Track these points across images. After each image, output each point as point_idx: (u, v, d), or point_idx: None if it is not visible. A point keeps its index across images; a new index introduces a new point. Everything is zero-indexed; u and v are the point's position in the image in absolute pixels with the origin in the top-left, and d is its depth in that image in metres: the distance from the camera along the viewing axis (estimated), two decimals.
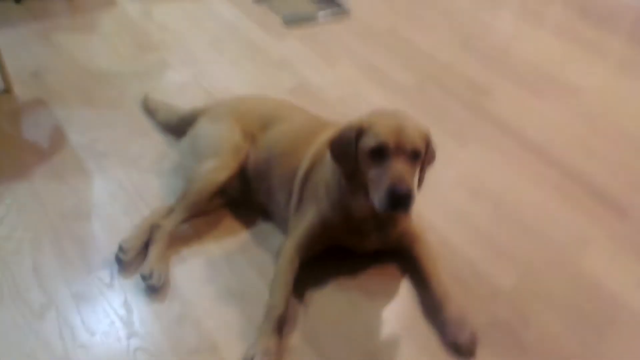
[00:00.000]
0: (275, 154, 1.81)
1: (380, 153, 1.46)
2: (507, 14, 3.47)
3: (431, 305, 1.60)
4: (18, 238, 1.76)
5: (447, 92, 2.62)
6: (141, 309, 1.57)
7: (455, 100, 2.56)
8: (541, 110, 2.53)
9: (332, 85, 2.62)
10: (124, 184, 1.97)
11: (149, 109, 2.29)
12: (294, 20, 3.10)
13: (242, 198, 1.89)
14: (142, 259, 1.66)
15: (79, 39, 2.81)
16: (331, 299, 1.63)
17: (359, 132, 1.51)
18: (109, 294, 1.61)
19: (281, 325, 1.49)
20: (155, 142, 2.17)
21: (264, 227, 1.84)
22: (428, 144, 1.56)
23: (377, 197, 1.46)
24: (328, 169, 1.64)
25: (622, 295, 1.71)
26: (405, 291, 1.68)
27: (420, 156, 1.51)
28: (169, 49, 2.79)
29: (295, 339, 1.51)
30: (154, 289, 1.61)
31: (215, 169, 1.79)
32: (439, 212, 1.95)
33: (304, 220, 1.65)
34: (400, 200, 1.43)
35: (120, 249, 1.67)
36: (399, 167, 1.44)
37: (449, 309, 1.56)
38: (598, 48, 3.06)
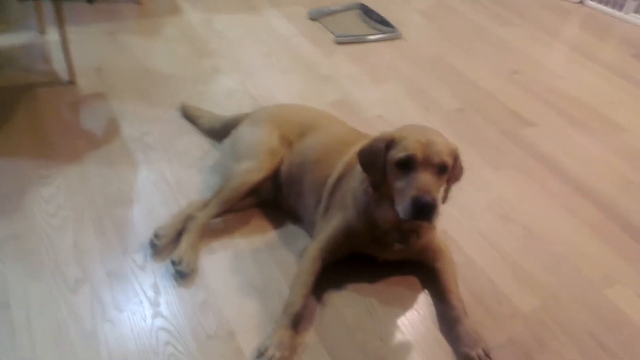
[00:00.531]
0: (309, 160, 1.88)
1: (407, 164, 1.50)
2: (558, 50, 3.45)
3: (447, 318, 1.62)
4: (63, 216, 1.88)
5: (487, 119, 2.63)
6: (168, 293, 1.65)
7: (494, 127, 2.57)
8: (581, 144, 2.51)
9: (375, 102, 2.68)
10: (167, 176, 2.08)
11: (190, 116, 2.38)
12: (345, 40, 3.19)
13: (273, 200, 1.97)
14: (174, 246, 1.75)
15: (142, 40, 3.00)
16: (349, 302, 1.67)
17: (389, 143, 1.56)
18: (141, 275, 1.70)
19: (297, 322, 1.54)
20: (200, 140, 2.28)
21: (291, 229, 1.91)
22: (456, 159, 1.59)
23: (402, 206, 1.50)
24: (357, 178, 1.69)
25: None
26: (422, 303, 1.70)
27: (447, 170, 1.54)
28: (223, 56, 2.93)
29: (309, 336, 1.56)
30: (182, 275, 1.69)
31: (251, 170, 1.87)
32: (466, 233, 1.96)
33: (330, 226, 1.70)
34: (424, 210, 1.46)
35: (156, 235, 1.77)
36: (425, 178, 1.48)
37: (465, 323, 1.57)
38: None
